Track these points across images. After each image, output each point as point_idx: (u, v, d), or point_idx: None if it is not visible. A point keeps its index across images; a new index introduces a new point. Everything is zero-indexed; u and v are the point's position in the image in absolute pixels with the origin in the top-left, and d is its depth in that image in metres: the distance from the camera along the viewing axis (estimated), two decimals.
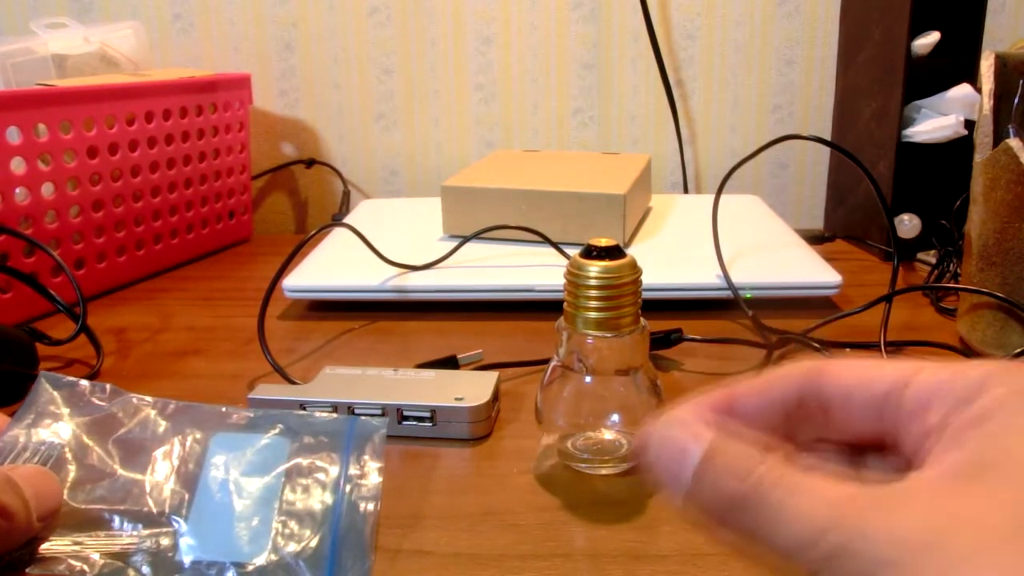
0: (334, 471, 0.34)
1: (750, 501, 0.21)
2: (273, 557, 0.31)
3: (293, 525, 0.32)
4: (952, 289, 0.60)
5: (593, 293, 0.37)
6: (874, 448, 0.25)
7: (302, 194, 0.99)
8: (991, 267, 0.51)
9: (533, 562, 0.33)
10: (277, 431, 0.35)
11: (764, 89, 0.92)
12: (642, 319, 0.39)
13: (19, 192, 0.62)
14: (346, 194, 0.95)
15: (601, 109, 0.93)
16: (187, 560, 0.31)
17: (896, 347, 0.54)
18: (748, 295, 0.59)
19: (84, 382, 0.36)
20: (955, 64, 0.69)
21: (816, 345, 0.52)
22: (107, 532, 0.31)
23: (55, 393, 0.36)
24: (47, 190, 0.64)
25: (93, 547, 0.31)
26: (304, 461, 0.34)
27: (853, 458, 0.25)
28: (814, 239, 0.75)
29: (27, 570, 0.30)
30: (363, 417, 0.37)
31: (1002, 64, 0.52)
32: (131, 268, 0.73)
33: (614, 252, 0.38)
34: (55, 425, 0.34)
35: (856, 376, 0.24)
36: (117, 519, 0.32)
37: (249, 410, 0.36)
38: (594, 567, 0.33)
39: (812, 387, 0.25)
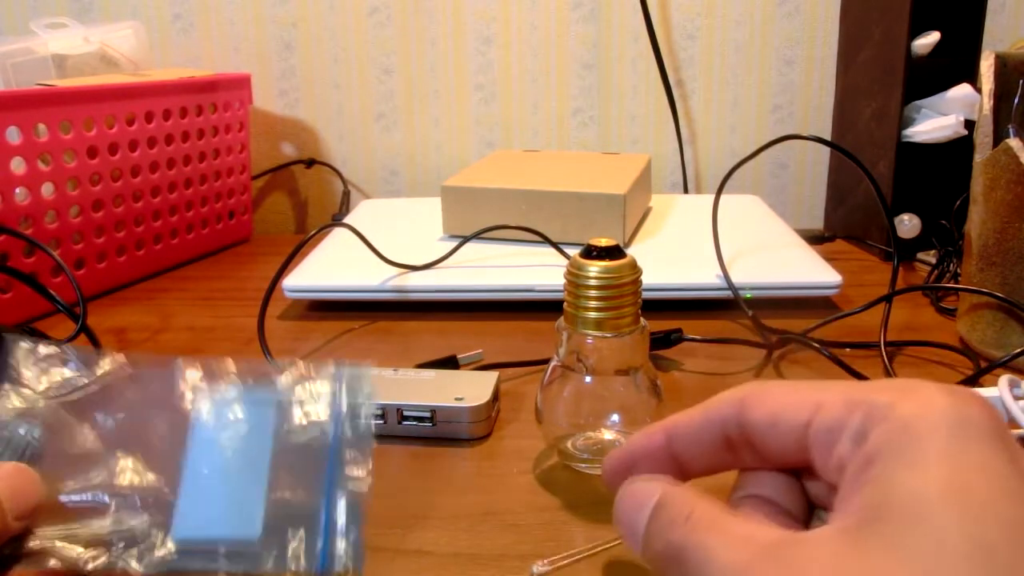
0: (326, 429, 0.31)
1: (686, 547, 0.21)
2: (266, 531, 0.29)
3: (285, 494, 0.30)
4: (952, 289, 0.60)
5: (593, 293, 0.37)
6: (807, 473, 0.25)
7: (302, 194, 0.99)
8: (991, 267, 0.51)
9: (533, 562, 0.33)
10: (264, 394, 0.32)
11: (764, 89, 0.92)
12: (642, 319, 0.39)
13: (19, 192, 0.62)
14: (346, 194, 0.95)
15: (601, 109, 0.93)
16: (178, 541, 0.29)
17: (896, 347, 0.54)
18: (748, 295, 0.59)
19: (53, 348, 0.33)
20: (955, 64, 0.69)
21: (816, 345, 0.52)
22: (95, 519, 0.30)
23: (25, 367, 0.33)
24: (47, 190, 0.64)
25: (82, 537, 0.29)
26: (295, 421, 0.31)
27: (798, 483, 0.25)
28: (814, 239, 0.75)
29: (17, 567, 0.29)
30: (350, 366, 0.33)
31: (1002, 64, 0.52)
32: (131, 268, 0.73)
33: (614, 252, 0.38)
34: (27, 404, 0.32)
35: (773, 406, 0.24)
36: (105, 503, 0.30)
37: (227, 366, 0.33)
38: (594, 567, 0.33)
39: (736, 417, 0.25)
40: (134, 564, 0.29)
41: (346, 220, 0.76)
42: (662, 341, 0.53)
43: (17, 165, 0.61)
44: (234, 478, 0.30)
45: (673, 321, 0.56)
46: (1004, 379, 0.41)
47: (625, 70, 0.92)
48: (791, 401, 0.23)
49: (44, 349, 0.33)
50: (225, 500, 0.30)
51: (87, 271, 0.68)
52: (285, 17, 0.92)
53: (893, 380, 0.22)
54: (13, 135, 0.61)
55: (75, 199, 0.66)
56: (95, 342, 0.56)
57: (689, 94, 0.93)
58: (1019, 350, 0.49)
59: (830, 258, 0.66)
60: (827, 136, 0.87)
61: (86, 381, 0.33)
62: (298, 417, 0.31)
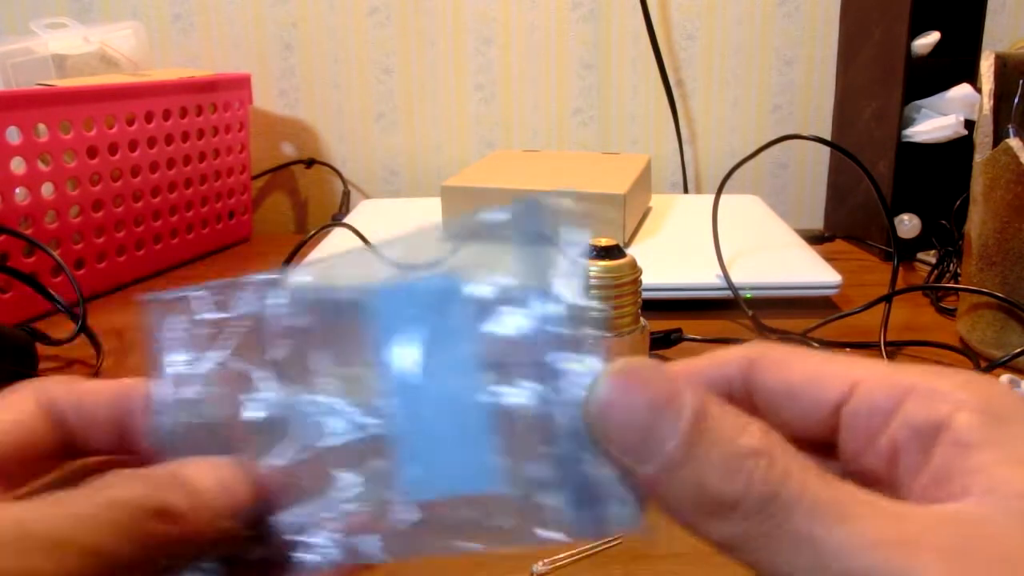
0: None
1: (775, 503, 0.16)
2: (509, 485, 0.20)
3: (520, 432, 0.20)
4: (952, 289, 0.60)
5: (593, 293, 0.37)
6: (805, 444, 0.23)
7: (302, 194, 0.99)
8: (991, 267, 0.51)
9: (533, 562, 0.33)
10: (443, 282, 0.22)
11: (764, 89, 0.92)
12: (642, 319, 0.39)
13: (19, 192, 0.62)
14: (346, 194, 0.95)
15: (601, 109, 0.93)
16: (418, 506, 0.21)
17: (896, 347, 0.54)
18: (748, 295, 0.59)
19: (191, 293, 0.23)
20: (955, 64, 0.69)
21: (816, 345, 0.52)
22: (321, 495, 0.21)
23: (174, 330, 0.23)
24: (47, 190, 0.64)
25: (313, 523, 0.21)
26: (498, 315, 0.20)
27: None
28: (814, 239, 0.75)
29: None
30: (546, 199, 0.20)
31: (1002, 64, 0.52)
32: (131, 268, 0.73)
33: (614, 252, 0.38)
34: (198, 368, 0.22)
35: (794, 376, 0.21)
36: (331, 475, 0.21)
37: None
38: (594, 567, 0.33)
39: (743, 377, 0.22)
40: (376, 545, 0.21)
41: (346, 220, 0.76)
42: (662, 341, 0.53)
43: (17, 165, 0.61)
44: (453, 411, 0.20)
45: (673, 321, 0.56)
46: (1004, 379, 0.41)
47: (625, 70, 0.92)
48: (817, 373, 0.21)
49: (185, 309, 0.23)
50: (452, 444, 0.20)
51: (87, 271, 0.68)
52: (285, 17, 0.92)
53: (916, 366, 0.20)
54: (13, 135, 0.61)
55: (75, 199, 0.66)
56: (95, 342, 0.56)
57: (689, 94, 0.93)
58: (1019, 350, 0.49)
59: (830, 258, 0.66)
60: (827, 136, 0.87)
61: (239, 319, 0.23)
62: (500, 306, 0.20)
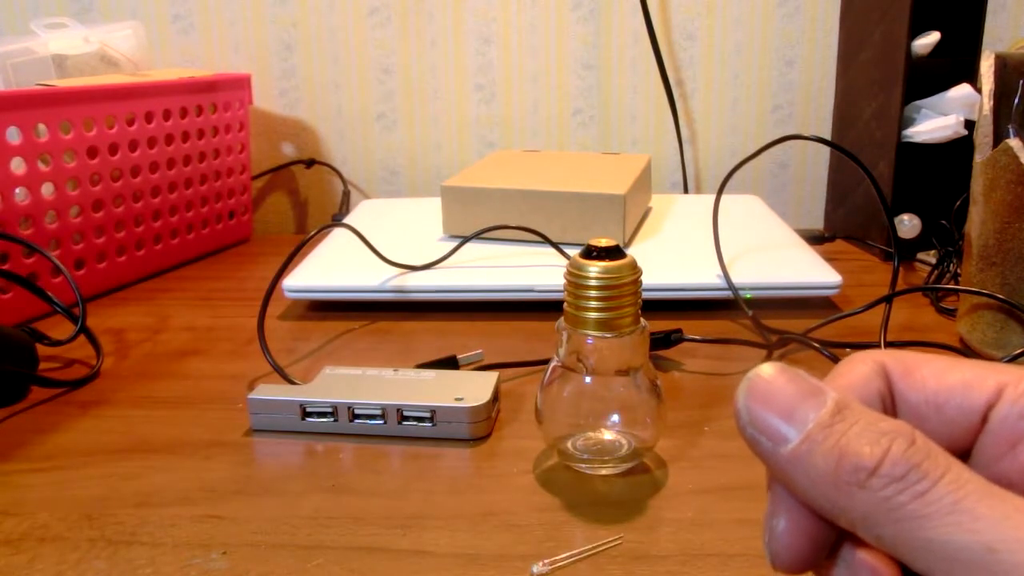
0: None
1: (910, 480, 0.16)
2: None
3: None
4: (952, 291, 0.60)
5: (593, 293, 0.37)
6: None
7: (302, 194, 0.99)
8: (991, 267, 0.51)
9: (533, 562, 0.33)
10: None
11: (764, 89, 0.92)
12: (642, 319, 0.39)
13: (19, 192, 0.62)
14: (346, 194, 0.95)
15: (601, 109, 0.93)
16: None
17: (896, 347, 0.54)
18: (748, 295, 0.59)
19: None
20: (955, 64, 0.69)
21: (816, 345, 0.52)
22: None
23: None
24: (47, 190, 0.64)
25: None
26: None
27: None
28: (814, 239, 0.75)
29: None
30: None
31: (1002, 64, 0.52)
32: (131, 268, 0.73)
33: (614, 252, 0.38)
34: None
35: (938, 384, 0.20)
36: None
37: None
38: (594, 567, 0.33)
39: (887, 391, 0.21)
40: None
41: (346, 220, 0.76)
42: (662, 341, 0.53)
43: (17, 165, 0.61)
44: None
45: (673, 321, 0.56)
46: None
47: (625, 70, 0.92)
48: (960, 380, 0.20)
49: None
50: None
51: (87, 271, 0.68)
52: (285, 17, 0.92)
53: None
54: (13, 135, 0.61)
55: (75, 199, 0.66)
56: (95, 343, 0.56)
57: (689, 94, 0.93)
58: (1020, 351, 0.49)
59: (830, 258, 0.66)
60: (827, 136, 0.87)
61: None
62: None
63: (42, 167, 0.63)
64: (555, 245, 0.65)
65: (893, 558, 0.17)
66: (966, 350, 0.53)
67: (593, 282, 0.37)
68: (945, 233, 0.71)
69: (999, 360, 0.49)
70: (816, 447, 0.17)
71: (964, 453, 0.20)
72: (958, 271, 0.66)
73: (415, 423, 0.44)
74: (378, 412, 0.44)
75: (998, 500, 0.15)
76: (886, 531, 0.16)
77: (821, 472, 0.17)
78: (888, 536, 0.16)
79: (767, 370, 0.18)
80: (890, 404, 0.21)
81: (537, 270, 0.63)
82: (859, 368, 0.21)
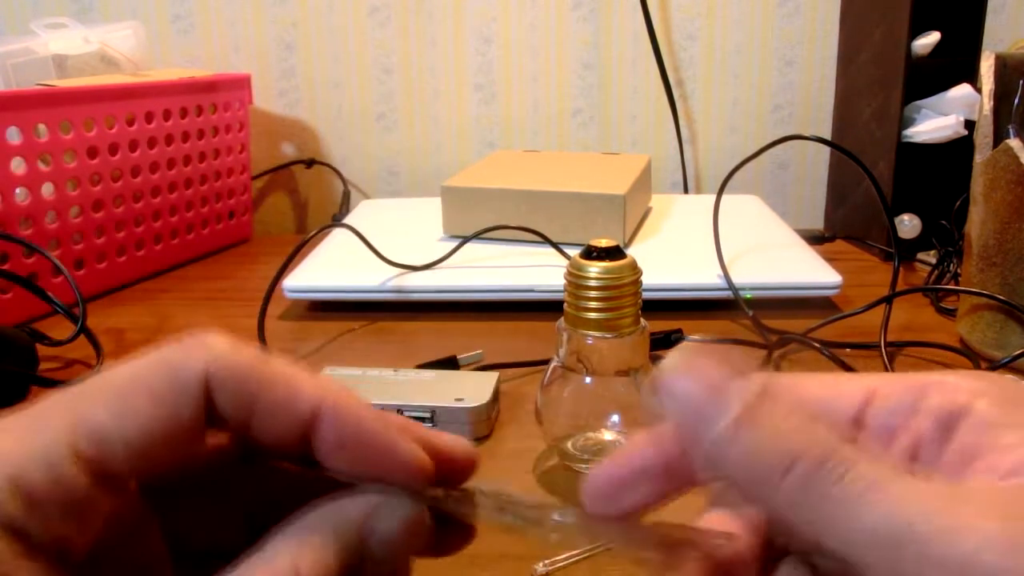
0: None
1: (823, 473, 0.16)
2: None
3: None
4: (953, 291, 0.60)
5: (593, 294, 0.37)
6: None
7: (302, 194, 0.99)
8: (991, 267, 0.51)
9: (533, 562, 0.33)
10: None
11: (764, 89, 0.92)
12: (642, 320, 0.39)
13: (19, 192, 0.62)
14: (346, 194, 0.95)
15: (601, 109, 0.93)
16: None
17: (896, 348, 0.54)
18: (748, 295, 0.59)
19: None
20: (955, 64, 0.69)
21: (816, 345, 0.52)
22: None
23: None
24: (47, 190, 0.64)
25: None
26: None
27: None
28: (814, 239, 0.75)
29: None
30: None
31: (1002, 64, 0.52)
32: (131, 268, 0.73)
33: (614, 253, 0.38)
34: None
35: (821, 394, 0.22)
36: None
37: None
38: (594, 567, 0.33)
39: None
40: None
41: (346, 220, 0.76)
42: (662, 341, 0.53)
43: (17, 165, 0.61)
44: None
45: (673, 321, 0.56)
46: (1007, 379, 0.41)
47: (625, 70, 0.92)
48: (835, 392, 0.21)
49: None
50: None
51: (87, 271, 0.68)
52: (285, 17, 0.92)
53: (923, 372, 0.21)
54: (13, 135, 0.61)
55: (75, 199, 0.66)
56: (95, 343, 0.56)
57: (689, 94, 0.93)
58: (1020, 351, 0.49)
59: (830, 258, 0.66)
60: (827, 136, 0.87)
61: None
62: None
63: (42, 167, 0.63)
64: (555, 245, 0.65)
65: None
66: (966, 350, 0.53)
67: (593, 282, 0.37)
68: (945, 233, 0.71)
69: (999, 360, 0.49)
70: (744, 431, 0.17)
71: None
72: (958, 271, 0.66)
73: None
74: None
75: (908, 478, 0.16)
76: (813, 515, 0.17)
77: (749, 456, 0.17)
78: (816, 520, 0.17)
79: (690, 354, 0.19)
80: None
81: (537, 270, 0.63)
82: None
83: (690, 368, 0.18)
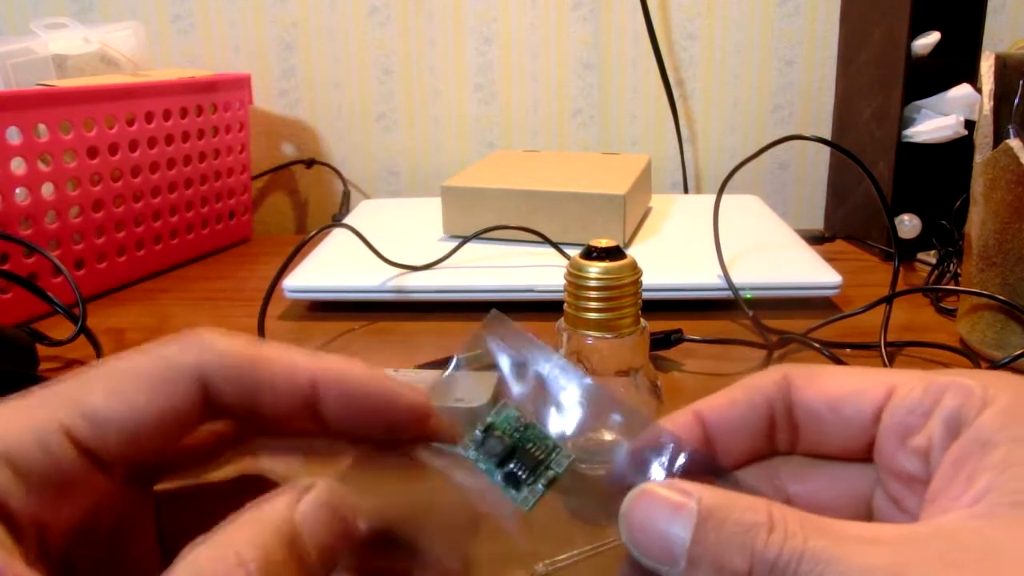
0: None
1: (778, 571, 0.18)
2: None
3: None
4: (953, 291, 0.60)
5: (593, 294, 0.37)
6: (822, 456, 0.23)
7: (302, 194, 0.99)
8: (991, 268, 0.51)
9: (533, 562, 0.33)
10: None
11: (764, 89, 0.92)
12: (642, 320, 0.39)
13: (19, 192, 0.62)
14: (346, 194, 0.95)
15: (601, 109, 0.93)
16: None
17: (896, 348, 0.54)
18: (748, 295, 0.59)
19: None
20: (955, 64, 0.69)
21: (816, 345, 0.52)
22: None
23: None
24: (47, 190, 0.64)
25: None
26: None
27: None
28: (814, 239, 0.75)
29: None
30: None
31: (1002, 64, 0.52)
32: (131, 268, 0.73)
33: (614, 253, 0.38)
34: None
35: (835, 389, 0.22)
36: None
37: None
38: (594, 567, 0.33)
39: (783, 398, 0.23)
40: None
41: (346, 220, 0.76)
42: (662, 342, 0.53)
43: (17, 165, 0.61)
44: None
45: (673, 321, 0.56)
46: None
47: (625, 70, 0.92)
48: (857, 385, 0.22)
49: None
50: None
51: (87, 271, 0.68)
52: (285, 17, 0.92)
53: (948, 370, 0.21)
54: (13, 135, 0.61)
55: (75, 199, 0.66)
56: (95, 343, 0.56)
57: (689, 94, 0.93)
58: (1020, 351, 0.49)
59: (830, 258, 0.66)
60: (827, 136, 0.87)
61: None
62: None
63: (42, 167, 0.63)
64: (555, 245, 0.65)
65: None
66: (966, 350, 0.53)
67: (593, 283, 0.37)
68: (945, 233, 0.71)
69: (999, 360, 0.49)
70: (699, 564, 0.19)
71: (863, 450, 0.22)
72: (958, 271, 0.66)
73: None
74: None
75: (849, 560, 0.17)
76: None
77: None
78: None
79: (640, 491, 0.20)
80: (783, 411, 0.23)
81: (537, 270, 0.63)
82: (760, 379, 0.23)
83: (637, 512, 0.20)
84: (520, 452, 0.24)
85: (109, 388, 0.20)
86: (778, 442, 0.24)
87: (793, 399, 0.23)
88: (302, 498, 0.19)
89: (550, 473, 0.24)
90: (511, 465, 0.24)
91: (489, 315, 0.27)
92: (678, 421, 0.24)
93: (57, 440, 0.18)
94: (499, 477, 0.24)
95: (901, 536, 0.18)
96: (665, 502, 0.19)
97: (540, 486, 0.24)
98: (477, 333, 0.27)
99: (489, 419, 0.25)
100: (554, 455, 0.24)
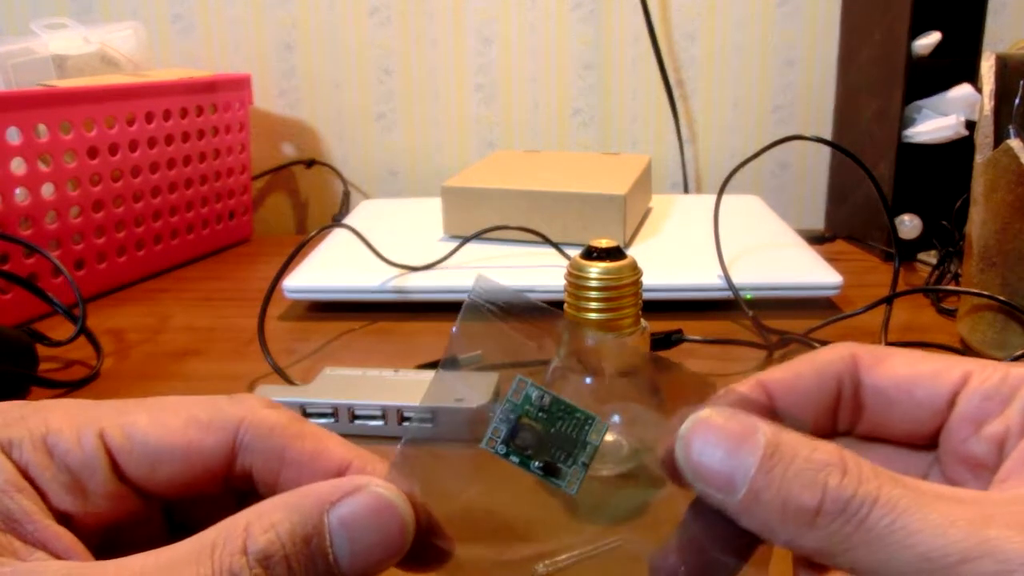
0: None
1: (844, 518, 0.17)
2: None
3: None
4: (953, 291, 0.60)
5: (594, 294, 0.37)
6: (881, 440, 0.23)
7: (302, 194, 0.99)
8: (992, 268, 0.51)
9: (533, 562, 0.33)
10: None
11: (764, 89, 0.92)
12: (643, 320, 0.39)
13: (19, 192, 0.61)
14: (346, 194, 0.95)
15: (601, 109, 0.93)
16: None
17: (897, 348, 0.54)
18: (748, 295, 0.59)
19: None
20: (956, 64, 0.69)
21: (817, 346, 0.52)
22: None
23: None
24: (47, 190, 0.64)
25: None
26: None
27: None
28: (814, 239, 0.75)
29: None
30: None
31: (1003, 65, 0.52)
32: (131, 268, 0.73)
33: (614, 253, 0.38)
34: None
35: (907, 371, 0.22)
36: None
37: None
38: (594, 567, 0.33)
39: (851, 375, 0.23)
40: None
41: (346, 220, 0.76)
42: (662, 342, 0.53)
43: (17, 165, 0.61)
44: None
45: (673, 322, 0.56)
46: None
47: (625, 70, 0.92)
48: (930, 369, 0.22)
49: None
50: None
51: (87, 271, 0.68)
52: (285, 17, 0.92)
53: (1020, 365, 0.21)
54: (13, 135, 0.61)
55: (75, 199, 0.66)
56: (95, 343, 0.56)
57: (689, 94, 0.93)
58: (1020, 351, 0.49)
59: (831, 258, 0.66)
60: (827, 136, 0.87)
61: None
62: None
63: (42, 167, 0.63)
64: (555, 245, 0.65)
65: None
66: (967, 350, 0.53)
67: (593, 283, 0.37)
68: (945, 233, 0.71)
69: (1000, 361, 0.49)
70: (761, 496, 0.18)
71: (928, 435, 0.22)
72: (959, 272, 0.66)
73: (416, 424, 0.44)
74: (378, 413, 0.44)
75: (928, 509, 0.17)
76: (840, 559, 0.18)
77: (771, 516, 0.18)
78: (844, 563, 0.18)
79: (701, 417, 0.19)
80: (850, 389, 0.23)
81: (537, 270, 0.63)
82: (828, 355, 0.23)
83: (698, 438, 0.19)
84: (551, 437, 0.24)
85: (154, 413, 0.22)
86: (840, 420, 0.23)
87: (861, 378, 0.23)
88: (343, 500, 0.19)
89: (588, 449, 0.23)
90: (547, 455, 0.23)
91: (476, 280, 0.27)
92: (743, 390, 0.23)
93: (92, 441, 0.21)
94: (536, 467, 0.23)
95: (979, 497, 0.18)
96: (727, 430, 0.19)
97: (581, 464, 0.23)
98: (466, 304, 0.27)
99: (509, 403, 0.24)
100: (587, 428, 0.24)
